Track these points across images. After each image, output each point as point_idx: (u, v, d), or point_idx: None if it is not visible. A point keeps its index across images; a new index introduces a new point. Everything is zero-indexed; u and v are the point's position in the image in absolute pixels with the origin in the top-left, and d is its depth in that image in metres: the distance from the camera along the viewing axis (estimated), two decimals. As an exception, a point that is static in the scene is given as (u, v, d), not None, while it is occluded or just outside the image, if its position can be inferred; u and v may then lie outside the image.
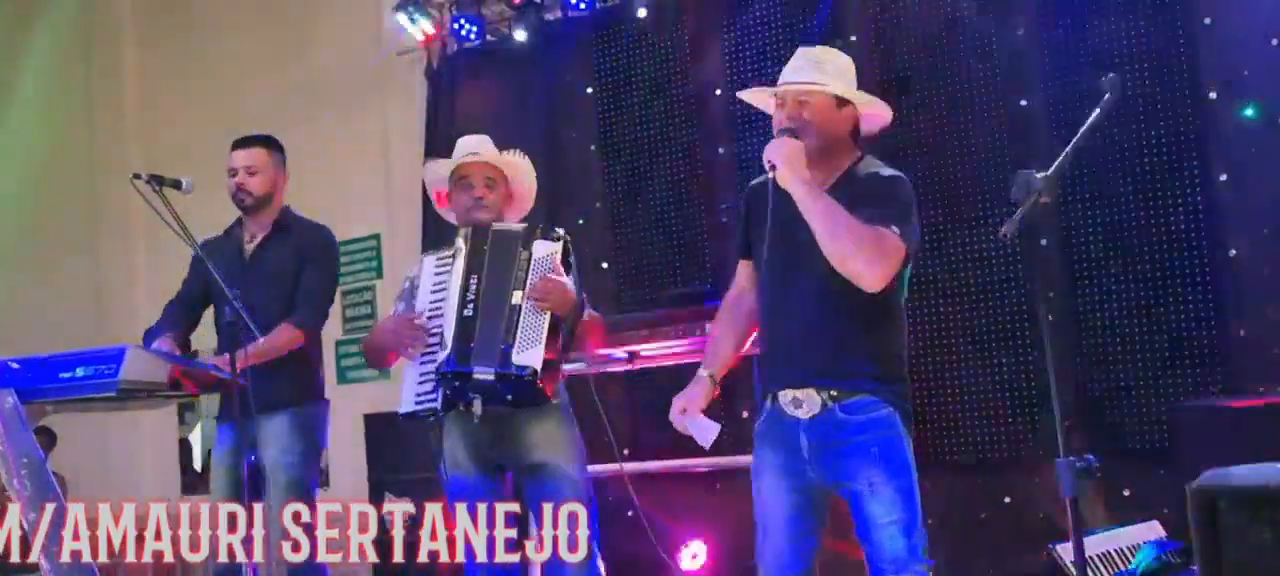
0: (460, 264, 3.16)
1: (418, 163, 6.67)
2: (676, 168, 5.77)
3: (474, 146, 3.43)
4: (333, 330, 7.38)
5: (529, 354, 3.03)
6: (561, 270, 3.15)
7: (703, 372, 2.80)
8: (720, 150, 5.67)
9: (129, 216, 8.06)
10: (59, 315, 8.63)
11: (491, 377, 3.05)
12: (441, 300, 3.19)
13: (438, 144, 6.54)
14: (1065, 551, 3.27)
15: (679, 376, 4.71)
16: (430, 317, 3.19)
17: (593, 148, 6.01)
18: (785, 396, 2.65)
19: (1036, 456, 4.68)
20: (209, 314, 3.99)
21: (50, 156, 9.39)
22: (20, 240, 9.53)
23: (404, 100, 6.87)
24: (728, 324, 2.88)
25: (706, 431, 2.74)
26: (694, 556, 5.19)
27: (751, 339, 2.89)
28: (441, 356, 3.08)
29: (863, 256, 2.48)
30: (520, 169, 3.46)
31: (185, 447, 8.63)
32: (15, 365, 2.57)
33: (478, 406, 3.13)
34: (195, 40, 8.22)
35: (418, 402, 3.15)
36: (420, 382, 3.15)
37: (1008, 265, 4.79)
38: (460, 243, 3.20)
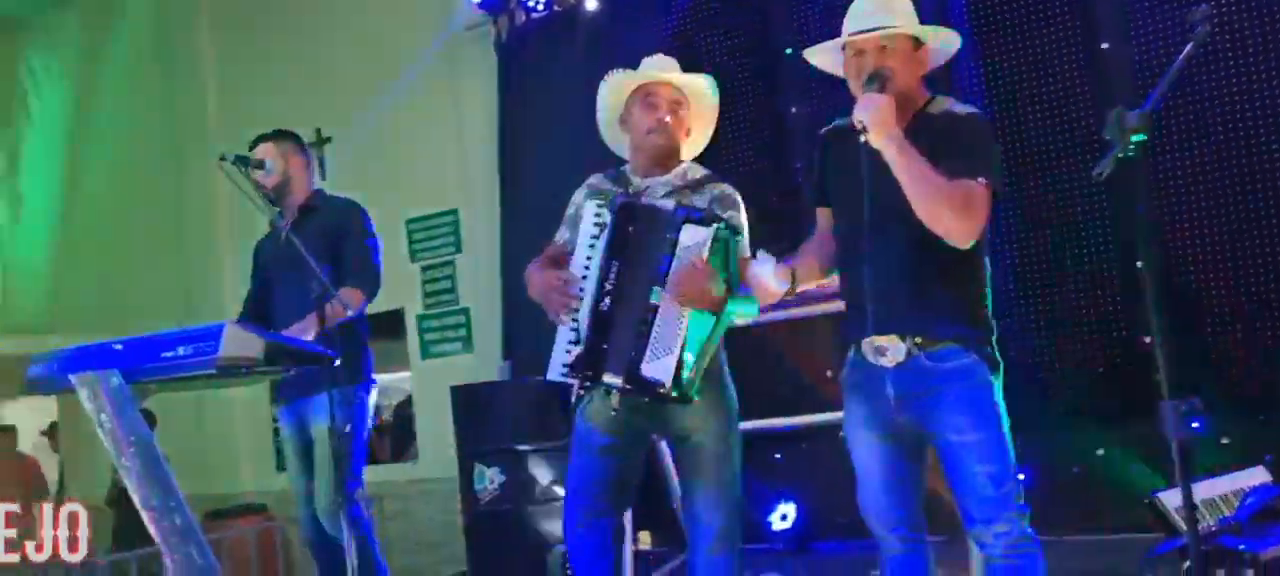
0: (604, 241, 2.92)
1: (492, 136, 6.75)
2: (750, 130, 5.73)
3: (662, 66, 3.17)
4: (414, 305, 7.51)
5: (659, 365, 2.80)
6: (705, 259, 2.81)
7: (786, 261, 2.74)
8: (793, 110, 5.63)
9: (213, 203, 8.27)
10: (148, 303, 8.88)
11: (619, 384, 2.87)
12: (589, 267, 2.97)
13: (512, 115, 6.59)
14: (1168, 498, 3.20)
15: (760, 337, 4.73)
16: (583, 278, 2.97)
17: (665, 114, 5.98)
18: (868, 344, 2.62)
19: (1129, 406, 4.59)
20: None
21: (134, 151, 9.65)
22: (108, 232, 9.82)
23: (476, 74, 6.92)
24: (811, 251, 2.82)
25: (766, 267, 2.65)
26: (784, 517, 5.19)
27: (833, 275, 2.83)
28: (576, 351, 2.91)
29: (955, 216, 2.44)
30: (705, 97, 3.22)
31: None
32: (119, 347, 2.62)
33: (615, 399, 2.94)
34: (269, 27, 8.36)
35: (562, 374, 2.98)
36: (566, 350, 2.97)
37: (1096, 210, 4.68)
38: (606, 214, 2.95)
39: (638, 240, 2.90)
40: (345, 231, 3.94)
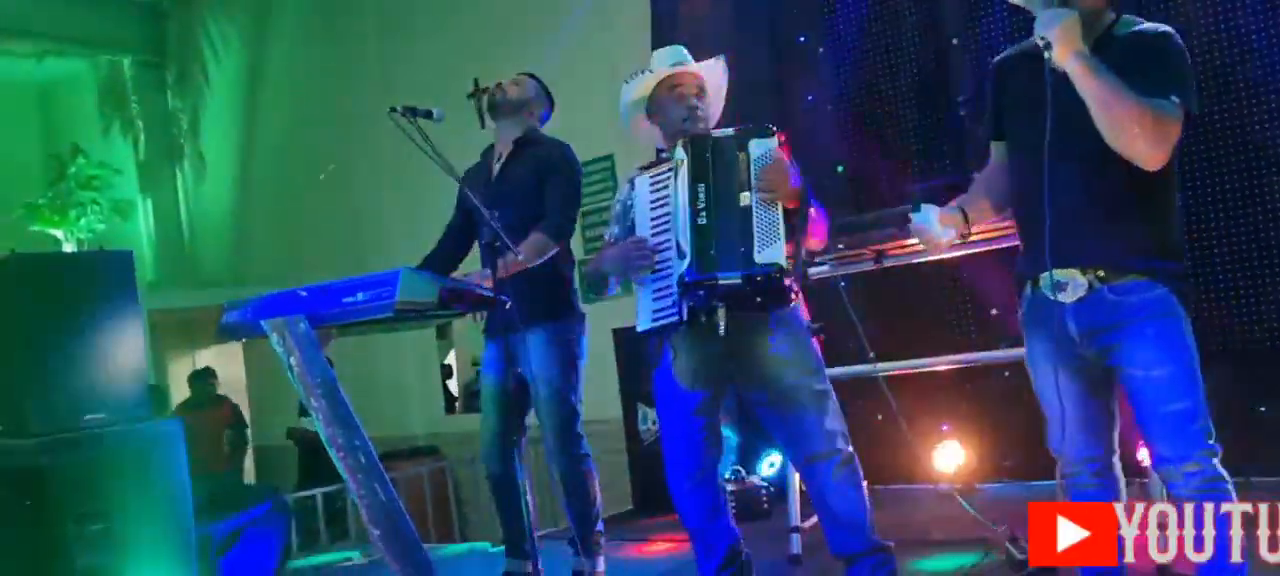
0: (685, 174, 3.09)
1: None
2: (909, 62, 5.59)
3: (678, 56, 3.37)
4: (573, 251, 7.63)
5: (771, 250, 2.98)
6: (783, 160, 3.05)
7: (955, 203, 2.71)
8: (954, 40, 5.46)
9: (378, 154, 8.55)
10: (321, 253, 9.28)
11: (739, 281, 3.00)
12: (664, 217, 3.13)
13: (665, 59, 6.59)
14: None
15: (927, 275, 4.63)
16: (655, 236, 3.15)
17: (821, 48, 5.88)
18: (1046, 280, 2.49)
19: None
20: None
21: (305, 108, 10.06)
22: (284, 186, 10.29)
23: (628, 16, 6.94)
24: (983, 187, 2.75)
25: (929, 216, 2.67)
26: (950, 457, 5.10)
27: (1006, 213, 2.76)
28: (681, 267, 3.04)
29: (1144, 137, 2.30)
30: (720, 79, 3.39)
31: (447, 371, 9.15)
32: (304, 293, 2.73)
33: (722, 315, 3.06)
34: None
35: (656, 318, 3.11)
36: (657, 299, 3.11)
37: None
38: (681, 153, 3.13)
39: (716, 162, 3.10)
40: (554, 168, 3.97)
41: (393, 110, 3.55)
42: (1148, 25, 2.49)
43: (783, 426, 3.18)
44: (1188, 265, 2.52)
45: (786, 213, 3.04)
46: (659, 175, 3.20)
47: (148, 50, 11.67)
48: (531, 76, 4.19)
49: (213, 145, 11.36)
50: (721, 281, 3.02)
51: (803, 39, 5.94)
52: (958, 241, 2.77)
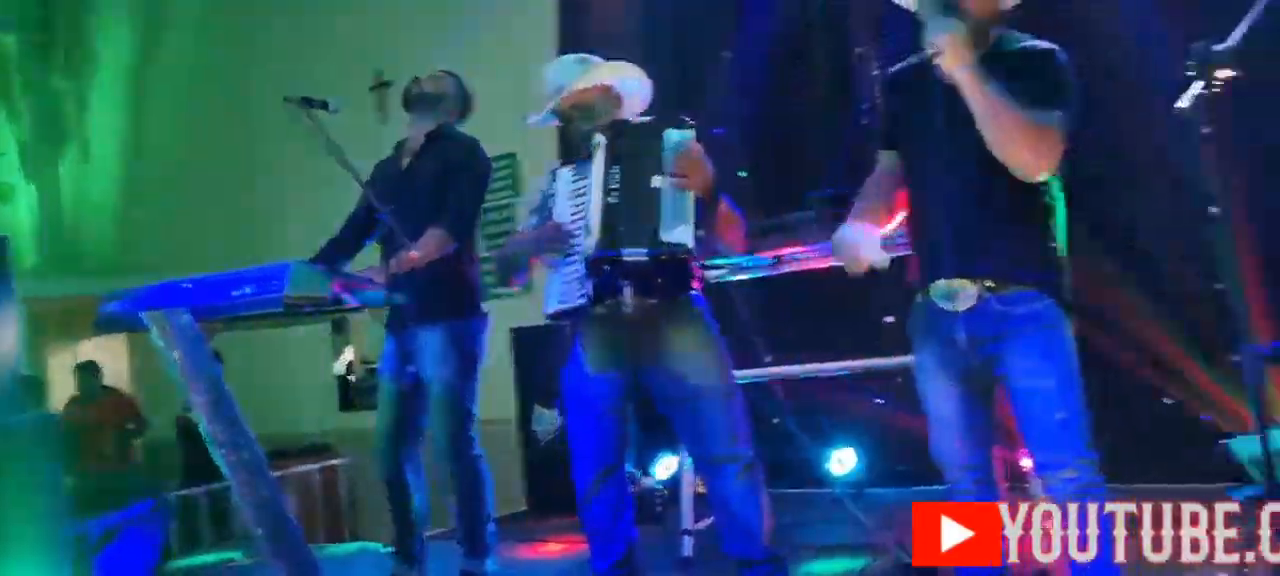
0: (601, 157, 3.11)
1: (551, 77, 6.74)
2: (813, 71, 5.66)
3: (561, 78, 3.35)
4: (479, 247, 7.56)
5: (678, 231, 3.00)
6: (698, 149, 3.06)
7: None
8: (858, 51, 5.54)
9: (278, 145, 8.36)
10: (215, 244, 9.04)
11: (644, 257, 3.02)
12: (581, 204, 3.14)
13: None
14: (1241, 446, 3.14)
15: (823, 281, 4.68)
16: (572, 221, 3.15)
17: (726, 53, 5.92)
18: (938, 288, 2.56)
19: (1199, 354, 4.49)
20: None
21: (199, 95, 9.79)
22: (175, 174, 10.00)
23: (534, 13, 6.90)
24: (873, 192, 2.75)
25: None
26: (840, 462, 5.17)
27: (898, 219, 2.78)
28: (588, 244, 3.05)
29: (1029, 149, 2.37)
30: (622, 73, 3.37)
31: (343, 367, 8.98)
32: (188, 285, 2.64)
33: (627, 294, 3.06)
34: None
35: (563, 299, 3.12)
36: (566, 282, 3.13)
37: (1178, 148, 4.51)
38: (599, 137, 3.15)
39: (631, 149, 3.12)
40: (461, 165, 3.92)
41: (288, 100, 3.47)
42: (1034, 41, 2.56)
43: (689, 424, 3.17)
44: (1071, 277, 2.59)
45: (698, 202, 3.05)
46: (579, 164, 3.22)
47: (34, 27, 11.23)
48: (452, 74, 4.15)
49: (101, 129, 10.99)
50: (626, 258, 3.03)
51: (709, 45, 5.98)
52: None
